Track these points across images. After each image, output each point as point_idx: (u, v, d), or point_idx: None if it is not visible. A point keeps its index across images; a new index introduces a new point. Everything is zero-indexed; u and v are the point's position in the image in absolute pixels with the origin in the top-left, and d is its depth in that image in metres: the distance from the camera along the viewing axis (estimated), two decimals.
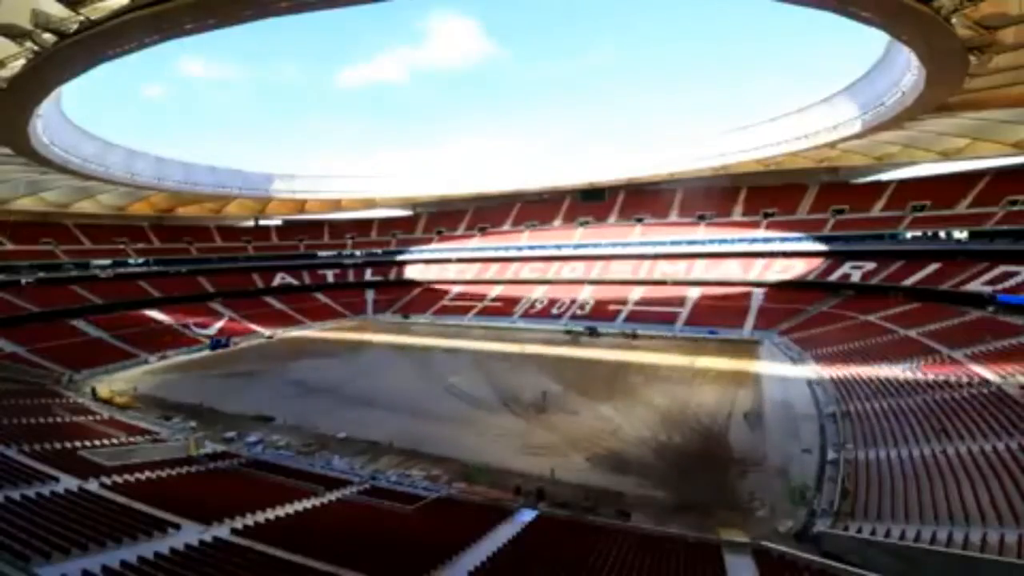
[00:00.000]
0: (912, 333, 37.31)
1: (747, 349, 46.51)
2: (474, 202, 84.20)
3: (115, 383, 39.97)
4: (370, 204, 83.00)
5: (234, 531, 15.38)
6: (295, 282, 78.11)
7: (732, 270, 61.97)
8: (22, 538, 12.73)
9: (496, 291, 74.29)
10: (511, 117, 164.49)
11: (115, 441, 25.23)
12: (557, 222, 78.61)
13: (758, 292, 58.68)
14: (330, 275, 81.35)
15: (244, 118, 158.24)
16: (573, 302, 65.88)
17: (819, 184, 62.26)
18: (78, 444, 23.40)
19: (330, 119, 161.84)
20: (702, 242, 64.53)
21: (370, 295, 78.67)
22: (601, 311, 62.28)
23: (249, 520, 16.43)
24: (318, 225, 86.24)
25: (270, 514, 17.24)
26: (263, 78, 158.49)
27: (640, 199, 74.16)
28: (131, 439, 26.05)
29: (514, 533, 16.91)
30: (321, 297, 77.25)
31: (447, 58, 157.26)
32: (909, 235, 51.00)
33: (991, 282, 40.77)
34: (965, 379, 26.62)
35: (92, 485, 18.08)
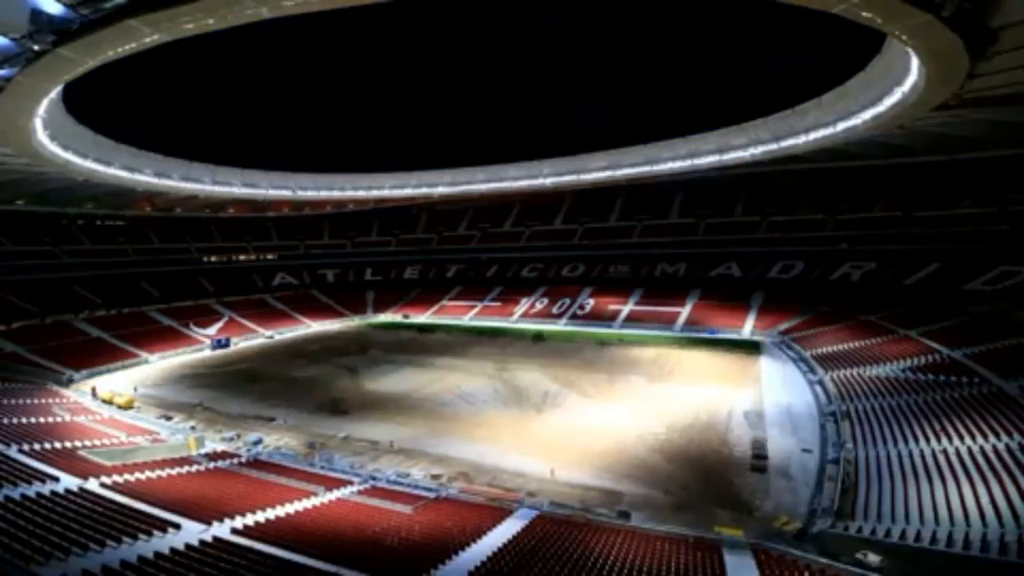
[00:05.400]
0: (912, 333, 37.29)
1: (747, 349, 46.52)
2: (474, 201, 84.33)
3: (115, 383, 39.99)
4: (371, 204, 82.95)
5: (234, 531, 15.40)
6: (295, 282, 78.14)
7: (732, 270, 61.96)
8: (22, 538, 12.75)
9: (496, 291, 74.35)
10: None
11: (115, 441, 25.26)
12: (557, 222, 78.62)
13: (758, 292, 58.73)
14: (330, 275, 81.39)
15: (243, 116, 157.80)
16: (573, 302, 65.92)
17: (818, 184, 62.19)
18: (78, 444, 23.42)
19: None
20: (702, 242, 64.51)
21: (370, 295, 78.67)
22: (601, 311, 62.32)
23: (249, 520, 16.45)
24: (318, 225, 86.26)
25: (270, 514, 17.26)
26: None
27: (640, 199, 74.15)
28: (131, 439, 26.06)
29: (514, 532, 16.92)
30: (321, 297, 77.29)
31: None
32: (909, 235, 50.97)
33: (991, 282, 40.79)
34: (965, 379, 26.62)
35: (92, 485, 18.11)
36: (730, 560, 15.11)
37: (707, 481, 22.11)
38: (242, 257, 77.14)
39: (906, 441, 21.98)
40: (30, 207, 55.66)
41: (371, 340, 57.49)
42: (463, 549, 15.26)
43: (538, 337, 54.94)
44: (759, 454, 23.74)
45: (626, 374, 39.66)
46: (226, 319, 62.51)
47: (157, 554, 12.98)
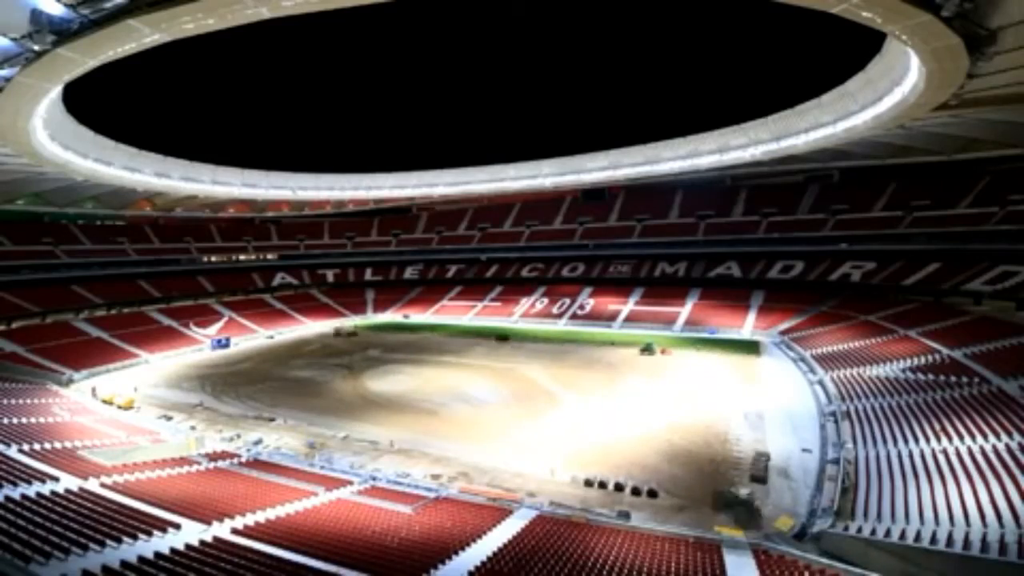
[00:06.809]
0: (912, 333, 37.29)
1: (747, 349, 46.51)
2: (474, 201, 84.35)
3: (115, 383, 39.98)
4: (371, 204, 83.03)
5: (234, 531, 15.40)
6: (295, 282, 78.15)
7: (732, 270, 61.97)
8: (22, 538, 12.74)
9: (496, 291, 74.34)
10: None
11: (115, 441, 25.26)
12: (557, 222, 78.59)
13: (758, 292, 58.72)
14: (330, 275, 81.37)
15: (243, 116, 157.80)
16: (573, 302, 65.91)
17: (819, 184, 62.26)
18: (78, 444, 23.42)
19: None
20: (702, 242, 64.51)
21: (370, 295, 78.69)
22: (601, 311, 62.31)
23: (249, 520, 16.45)
24: (318, 225, 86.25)
25: (270, 514, 17.26)
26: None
27: (640, 199, 74.13)
28: (131, 439, 26.06)
29: (514, 532, 16.92)
30: (321, 297, 77.30)
31: None
32: (909, 235, 50.98)
33: (991, 282, 40.78)
34: (965, 379, 26.63)
35: (92, 485, 18.11)
36: (730, 560, 15.11)
37: (707, 481, 22.10)
38: (242, 257, 77.13)
39: (906, 441, 21.98)
40: (30, 207, 55.74)
41: (371, 340, 57.46)
42: (463, 549, 15.26)
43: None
44: (757, 475, 22.26)
45: (626, 374, 39.65)
46: (226, 319, 62.50)
47: (157, 554, 12.97)
